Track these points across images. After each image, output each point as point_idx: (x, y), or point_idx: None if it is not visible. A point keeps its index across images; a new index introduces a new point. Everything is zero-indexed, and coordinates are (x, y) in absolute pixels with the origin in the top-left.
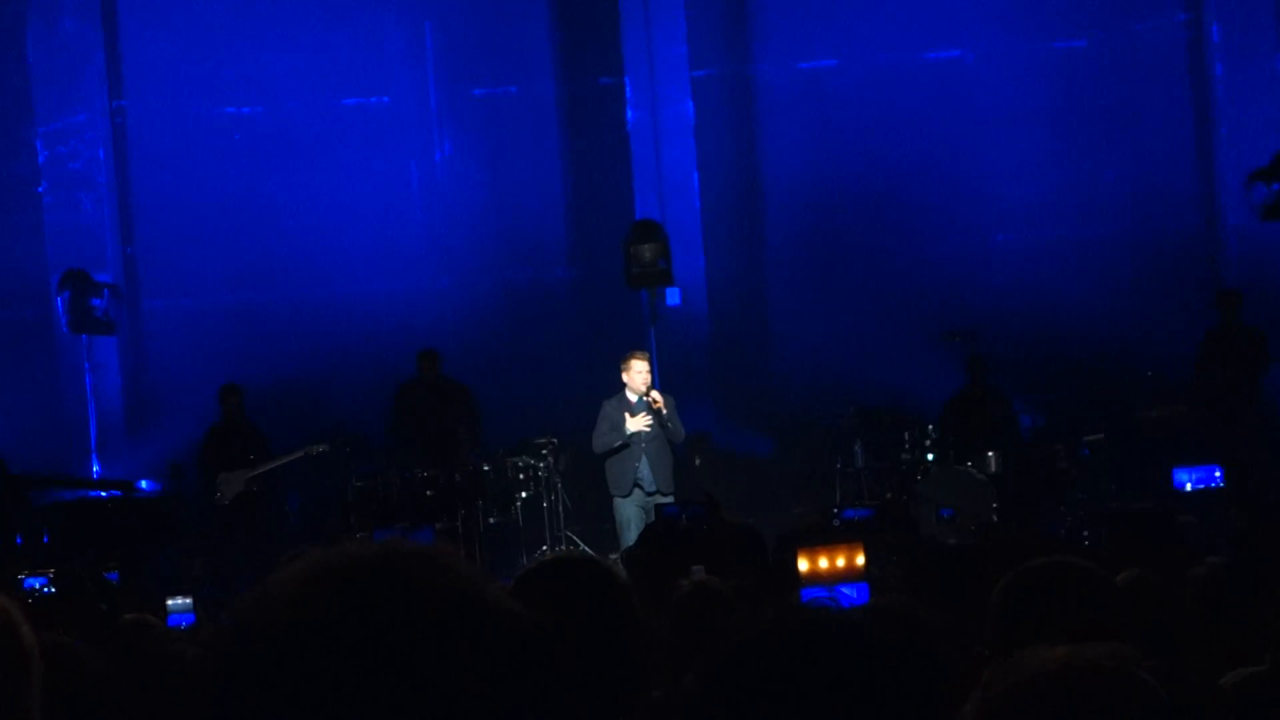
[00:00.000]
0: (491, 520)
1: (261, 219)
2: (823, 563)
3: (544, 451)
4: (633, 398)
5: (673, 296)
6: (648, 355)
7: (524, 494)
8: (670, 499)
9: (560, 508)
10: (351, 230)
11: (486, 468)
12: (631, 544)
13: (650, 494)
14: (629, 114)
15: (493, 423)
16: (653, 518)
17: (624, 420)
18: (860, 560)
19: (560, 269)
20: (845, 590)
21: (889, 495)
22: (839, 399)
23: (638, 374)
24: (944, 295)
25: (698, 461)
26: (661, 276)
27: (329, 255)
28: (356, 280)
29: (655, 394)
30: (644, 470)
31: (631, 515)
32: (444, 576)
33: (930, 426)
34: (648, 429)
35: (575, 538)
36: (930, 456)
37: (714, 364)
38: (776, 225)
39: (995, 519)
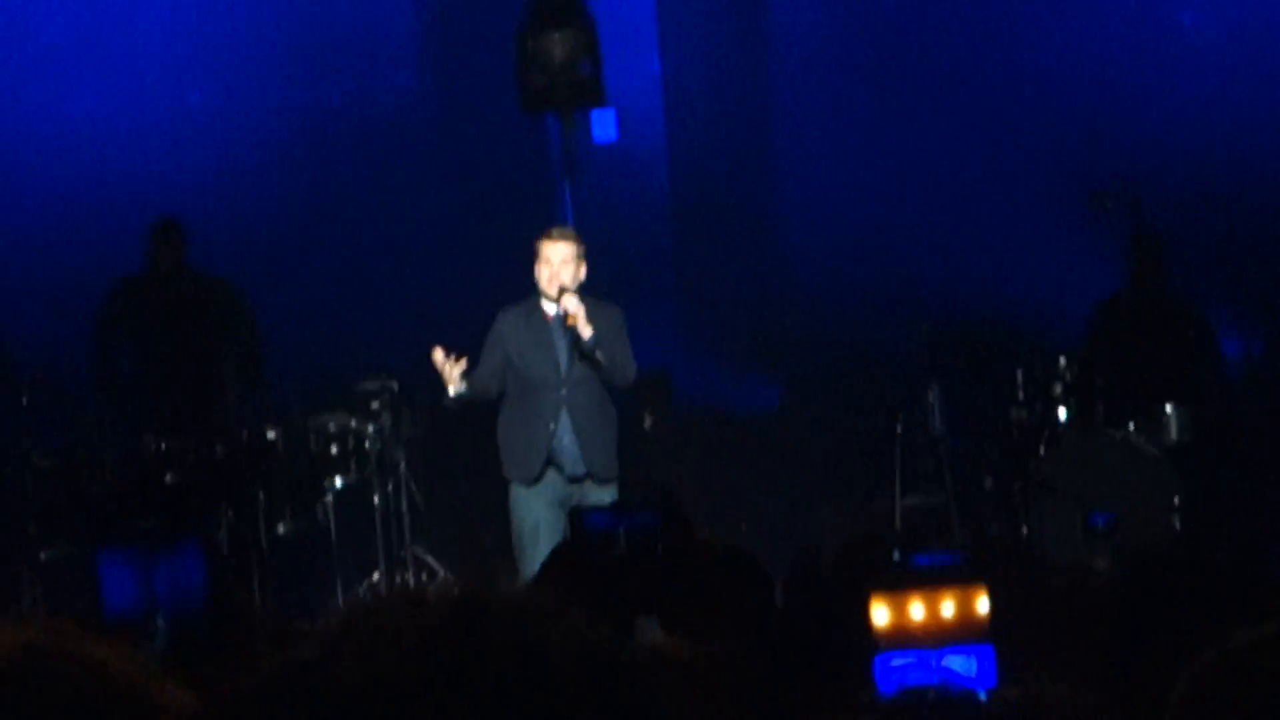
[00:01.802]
0: (282, 529)
1: None
2: (915, 611)
3: (374, 406)
4: (549, 309)
5: (603, 126)
6: (571, 234)
7: (339, 480)
8: (609, 489)
9: (404, 503)
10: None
11: (273, 435)
12: (534, 573)
13: (575, 480)
14: None
15: (283, 355)
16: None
17: (530, 348)
18: (982, 609)
19: (402, 76)
20: (954, 660)
21: (989, 483)
22: (899, 312)
23: (546, 265)
24: (1087, 126)
25: (648, 423)
26: (584, 89)
27: None
28: (35, 99)
29: (570, 301)
30: (564, 438)
31: (540, 518)
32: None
33: (1063, 360)
34: (568, 366)
35: (428, 557)
36: (1064, 414)
37: (677, 248)
38: (789, 3)
39: (1179, 528)
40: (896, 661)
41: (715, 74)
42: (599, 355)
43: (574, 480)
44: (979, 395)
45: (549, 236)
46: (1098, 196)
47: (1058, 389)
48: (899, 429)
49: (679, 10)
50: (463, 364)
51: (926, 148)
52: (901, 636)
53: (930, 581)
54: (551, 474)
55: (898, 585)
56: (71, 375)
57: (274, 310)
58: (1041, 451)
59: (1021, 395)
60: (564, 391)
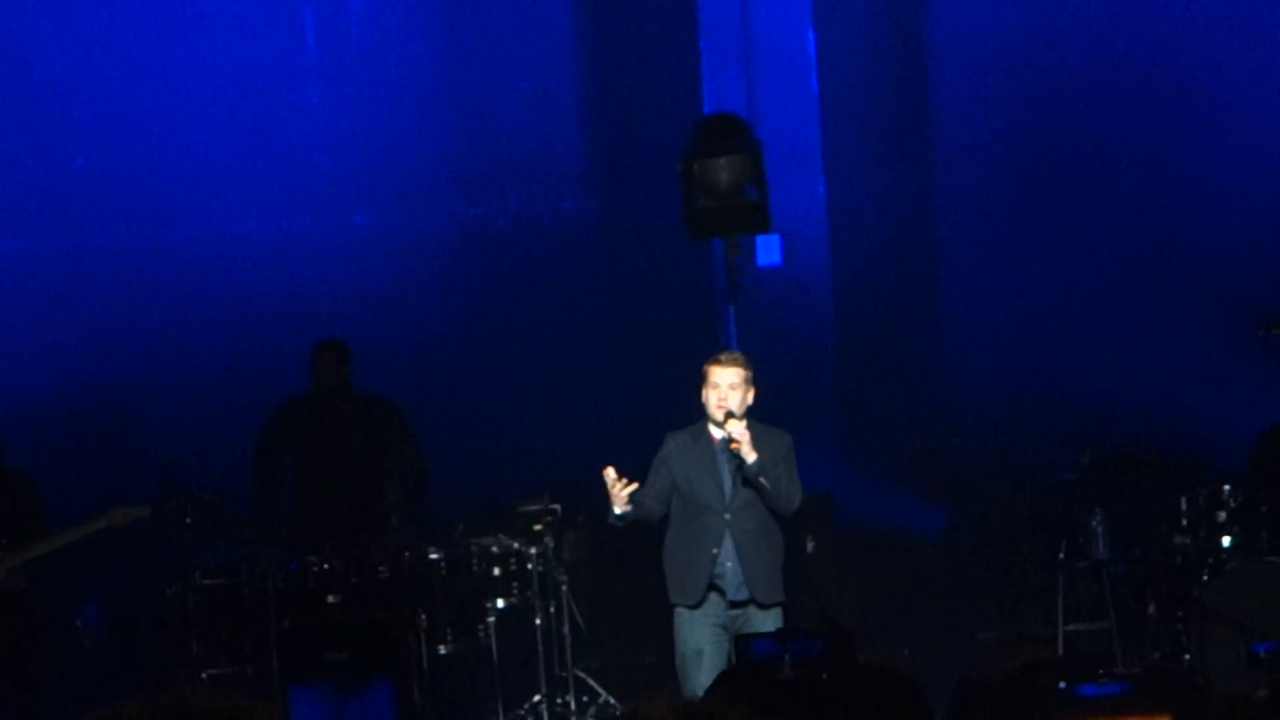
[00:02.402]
0: (443, 650)
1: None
2: None
3: (537, 527)
4: (716, 434)
5: (768, 251)
6: (741, 359)
7: (501, 602)
8: (772, 614)
9: (566, 626)
10: (199, 135)
11: (436, 555)
12: (698, 697)
13: (738, 605)
14: None
15: (445, 474)
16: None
17: (696, 472)
18: None
19: (568, 201)
20: None
21: (1153, 610)
22: (1063, 436)
23: (714, 390)
24: (1258, 249)
25: (811, 546)
26: (749, 214)
27: (167, 183)
28: (208, 220)
29: (737, 427)
30: (727, 563)
31: (704, 642)
32: None
33: (1227, 487)
34: (732, 491)
35: (590, 679)
36: (1227, 541)
37: (841, 373)
38: (954, 124)
39: None
40: None
41: (880, 197)
42: (762, 481)
43: (736, 605)
44: (1143, 521)
45: (718, 361)
46: (1266, 322)
47: (1222, 516)
48: (1062, 554)
49: (845, 134)
50: (633, 486)
51: (1093, 270)
52: None
53: (1109, 711)
54: (714, 598)
55: (1078, 713)
56: (237, 496)
57: (438, 431)
58: (1205, 579)
59: (1185, 522)
60: (728, 516)
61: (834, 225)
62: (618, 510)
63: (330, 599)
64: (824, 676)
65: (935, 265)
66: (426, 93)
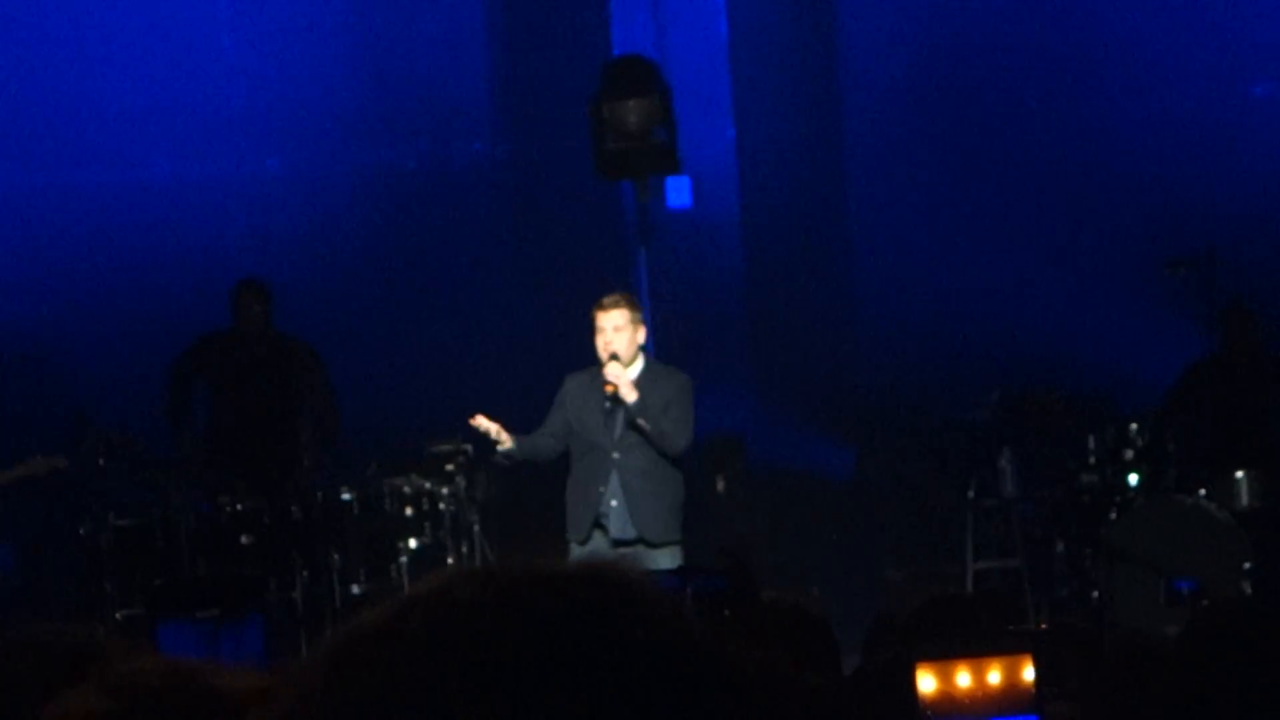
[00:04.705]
0: (356, 589)
1: None
2: (962, 680)
3: (449, 468)
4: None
5: (678, 193)
6: (624, 300)
7: (413, 542)
8: (665, 553)
9: (478, 564)
10: (112, 78)
11: (348, 495)
12: None
13: (624, 543)
14: None
15: (357, 418)
16: None
17: (587, 413)
18: (1027, 676)
19: (478, 143)
20: None
21: (1061, 548)
22: (972, 377)
23: (600, 334)
24: (1162, 195)
25: (721, 486)
26: (659, 156)
27: (78, 126)
28: (121, 163)
29: (614, 368)
30: (612, 501)
31: None
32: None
33: (1134, 426)
34: (621, 432)
35: None
36: (1135, 479)
37: (752, 314)
38: (862, 67)
39: (1249, 593)
40: None
41: (789, 140)
42: (641, 422)
43: (621, 543)
44: (1051, 460)
45: (601, 305)
46: (1173, 262)
47: (1129, 454)
48: (971, 493)
49: (753, 77)
50: (499, 429)
51: (1001, 213)
52: (949, 706)
53: (973, 651)
54: (599, 535)
55: (945, 654)
56: (148, 437)
57: (348, 372)
58: (1113, 517)
59: (1093, 460)
60: (616, 455)
61: (743, 167)
62: (500, 448)
63: (244, 539)
64: (726, 613)
65: (844, 206)
66: (337, 36)
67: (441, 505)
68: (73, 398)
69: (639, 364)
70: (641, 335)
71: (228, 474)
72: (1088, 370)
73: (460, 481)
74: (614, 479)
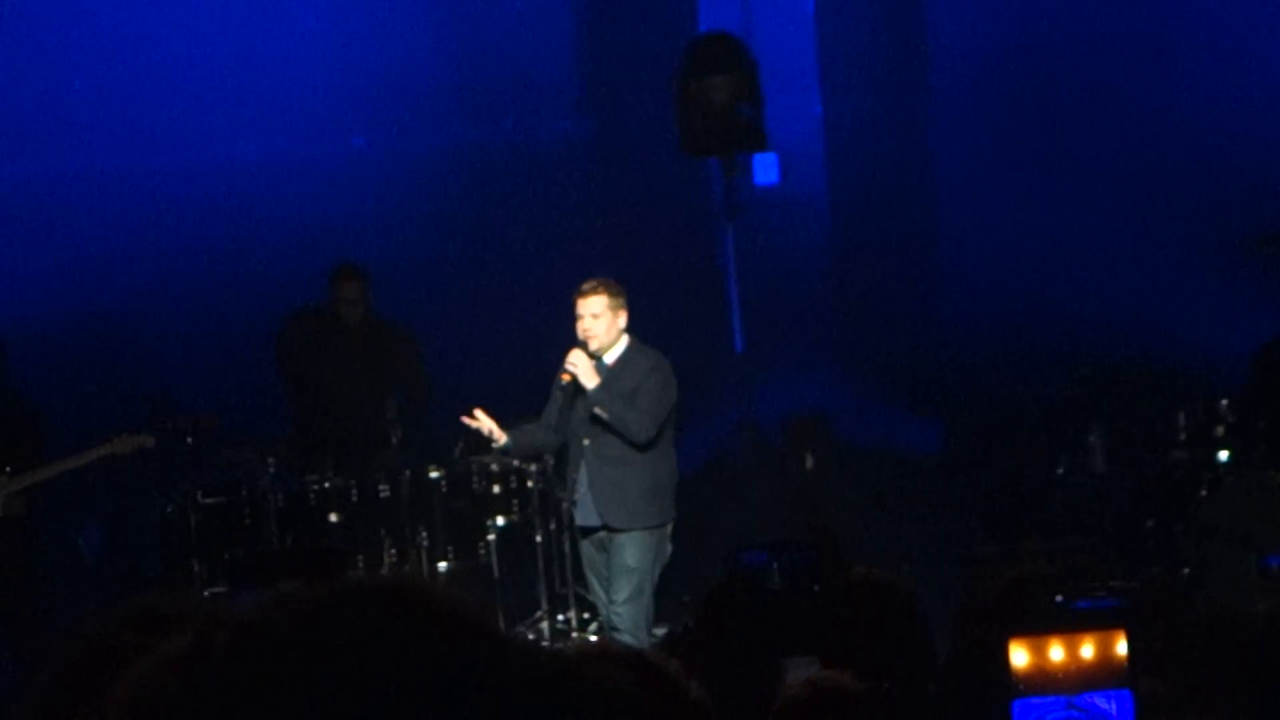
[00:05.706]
0: (444, 566)
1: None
2: (1055, 654)
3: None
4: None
5: (765, 170)
6: (602, 287)
7: (501, 520)
8: (634, 536)
9: (566, 543)
10: (198, 58)
11: (436, 474)
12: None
13: (589, 531)
14: None
15: (445, 394)
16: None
17: (572, 400)
18: (1120, 650)
19: (564, 120)
20: (1098, 703)
21: (1150, 525)
22: (1060, 354)
23: (579, 321)
24: (1246, 171)
25: (810, 463)
26: (745, 133)
27: (164, 106)
28: (206, 143)
29: (575, 356)
30: (581, 487)
31: (586, 555)
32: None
33: (1224, 402)
34: (582, 418)
35: (590, 595)
36: (1225, 456)
37: (838, 291)
38: (948, 42)
39: None
40: (1036, 707)
41: (876, 116)
42: (598, 411)
43: (587, 531)
44: (1140, 436)
45: (580, 292)
46: (1260, 239)
47: (1219, 431)
48: (1060, 470)
49: (840, 54)
50: (493, 426)
51: (1087, 190)
52: (1042, 680)
53: (1067, 627)
54: (578, 516)
55: (1038, 628)
56: (236, 416)
57: (436, 351)
58: (1203, 494)
59: (1183, 437)
60: (587, 442)
61: (830, 143)
62: (495, 445)
63: (332, 518)
64: (815, 588)
65: (931, 182)
66: (423, 14)
67: (529, 483)
68: (159, 377)
69: (620, 347)
70: (623, 320)
71: (316, 453)
72: (1177, 347)
73: (548, 459)
74: (583, 466)
